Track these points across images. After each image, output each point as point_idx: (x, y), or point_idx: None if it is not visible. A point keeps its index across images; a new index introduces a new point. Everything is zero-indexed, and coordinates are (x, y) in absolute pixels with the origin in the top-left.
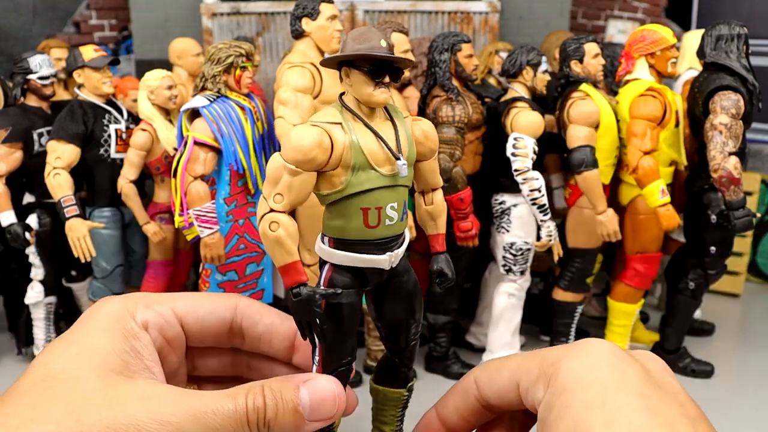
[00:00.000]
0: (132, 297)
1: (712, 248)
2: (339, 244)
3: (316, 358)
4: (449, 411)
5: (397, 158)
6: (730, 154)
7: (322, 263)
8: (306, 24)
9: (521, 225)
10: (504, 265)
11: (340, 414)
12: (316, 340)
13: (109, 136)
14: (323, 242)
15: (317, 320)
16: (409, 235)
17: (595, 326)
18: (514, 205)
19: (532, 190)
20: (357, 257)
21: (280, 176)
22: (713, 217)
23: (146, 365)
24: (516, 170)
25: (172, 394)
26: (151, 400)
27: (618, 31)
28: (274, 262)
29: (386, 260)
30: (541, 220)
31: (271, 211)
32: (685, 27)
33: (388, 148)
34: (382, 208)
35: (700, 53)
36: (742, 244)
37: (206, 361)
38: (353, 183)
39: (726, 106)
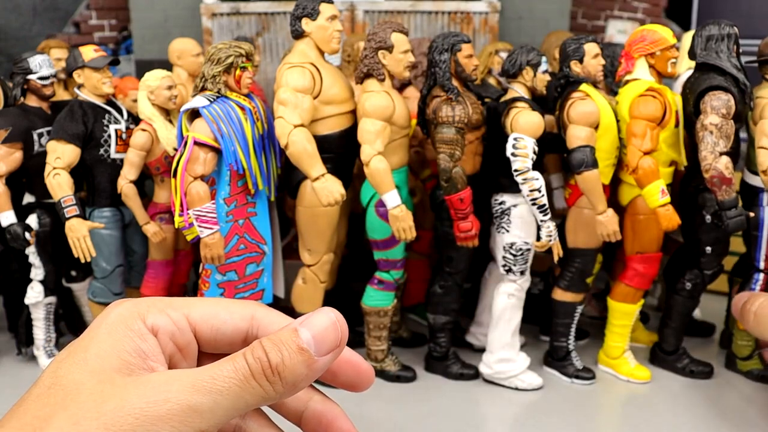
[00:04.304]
0: (145, 300)
1: (708, 248)
2: None
3: None
4: None
5: None
6: (722, 153)
7: None
8: (306, 24)
9: (521, 225)
10: (504, 266)
11: (346, 338)
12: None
13: (109, 136)
14: None
15: None
16: None
17: (595, 326)
18: (514, 206)
19: (532, 191)
20: None
21: None
22: (708, 217)
23: (149, 366)
24: (516, 170)
25: (165, 375)
26: (146, 386)
27: (618, 31)
28: None
29: None
30: (541, 221)
31: None
32: (685, 27)
33: None
34: None
35: (691, 54)
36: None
37: None
38: None
39: (716, 106)
